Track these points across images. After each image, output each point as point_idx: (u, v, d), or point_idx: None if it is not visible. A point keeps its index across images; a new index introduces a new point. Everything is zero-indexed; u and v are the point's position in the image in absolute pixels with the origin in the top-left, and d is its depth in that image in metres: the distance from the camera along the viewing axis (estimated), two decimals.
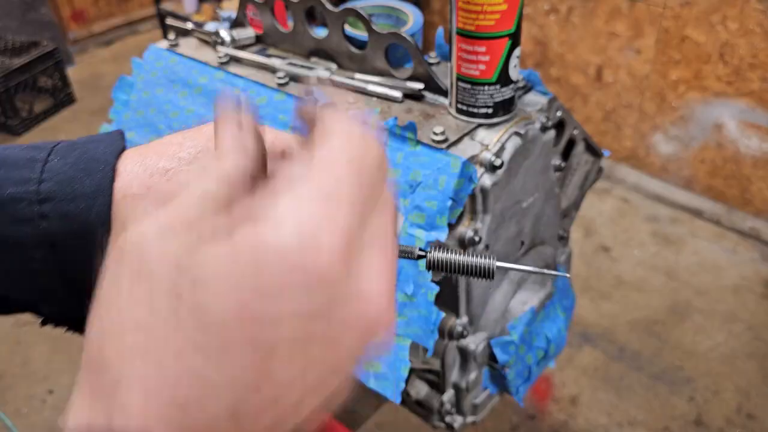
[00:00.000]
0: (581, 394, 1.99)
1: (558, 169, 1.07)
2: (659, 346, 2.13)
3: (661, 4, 2.45)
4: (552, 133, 1.00)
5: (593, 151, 1.18)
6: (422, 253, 0.42)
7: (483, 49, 0.84)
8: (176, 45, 1.18)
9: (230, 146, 0.29)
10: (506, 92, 0.89)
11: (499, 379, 1.09)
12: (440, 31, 1.07)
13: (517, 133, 0.92)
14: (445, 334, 0.96)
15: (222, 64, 1.10)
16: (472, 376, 1.05)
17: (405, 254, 0.42)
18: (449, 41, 0.88)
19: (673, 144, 2.70)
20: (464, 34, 0.84)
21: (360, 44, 1.02)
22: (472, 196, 0.89)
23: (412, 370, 0.94)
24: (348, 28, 1.02)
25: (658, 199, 2.79)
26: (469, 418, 1.12)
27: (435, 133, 0.86)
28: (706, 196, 2.70)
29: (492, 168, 0.88)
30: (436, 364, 1.02)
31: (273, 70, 1.05)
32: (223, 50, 1.11)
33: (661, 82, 2.60)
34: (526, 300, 1.09)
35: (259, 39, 1.16)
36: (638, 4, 2.51)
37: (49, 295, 0.42)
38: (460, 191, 0.84)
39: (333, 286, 0.25)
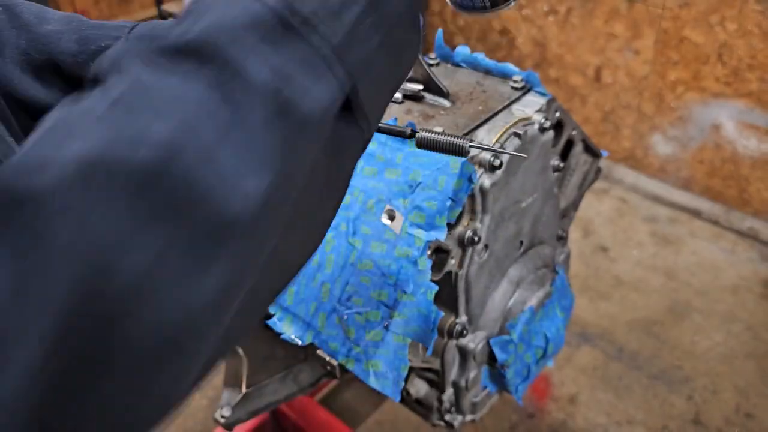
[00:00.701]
0: (580, 393, 1.99)
1: (557, 169, 1.08)
2: (658, 346, 2.13)
3: (660, 4, 2.46)
4: (551, 133, 1.00)
5: (592, 151, 1.18)
6: (412, 133, 0.55)
7: None
8: None
9: None
10: None
11: (498, 377, 1.10)
12: (440, 32, 1.08)
13: (516, 134, 0.92)
14: (445, 333, 0.97)
15: None
16: (472, 374, 1.05)
17: (396, 134, 0.55)
18: None
19: (671, 144, 2.71)
20: None
21: None
22: (472, 196, 0.90)
23: (411, 369, 0.95)
24: None
25: (656, 200, 2.79)
26: (469, 417, 1.13)
27: (435, 133, 0.87)
28: (705, 197, 2.70)
29: (491, 168, 0.88)
30: (435, 363, 1.03)
31: None
32: None
33: (660, 83, 2.61)
34: (525, 299, 1.10)
35: None
36: (637, 5, 2.52)
37: None
38: (459, 191, 0.85)
39: None
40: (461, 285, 0.95)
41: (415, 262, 0.85)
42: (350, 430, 1.40)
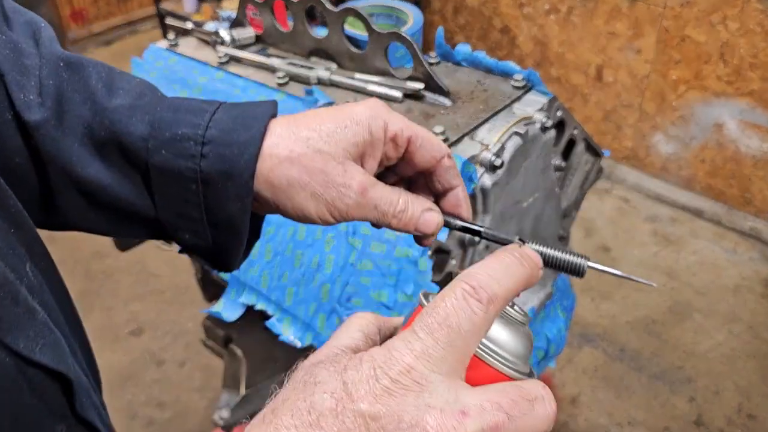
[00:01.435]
0: (581, 394, 1.98)
1: (558, 168, 1.07)
2: (659, 346, 2.13)
3: (662, 3, 2.45)
4: (552, 133, 0.99)
5: (593, 151, 1.17)
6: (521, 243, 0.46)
7: None
8: (176, 45, 1.18)
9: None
10: None
11: None
12: (440, 30, 1.07)
13: (517, 133, 0.91)
14: None
15: (222, 63, 1.10)
16: None
17: (500, 241, 0.48)
18: None
19: (673, 144, 2.70)
20: None
21: (360, 44, 1.02)
22: (473, 196, 0.89)
23: None
24: (348, 28, 1.02)
25: (658, 199, 2.78)
26: None
27: (435, 133, 0.86)
28: (707, 196, 2.70)
29: (492, 168, 0.88)
30: None
31: (273, 70, 1.05)
32: (222, 50, 1.11)
33: (661, 82, 2.60)
34: (526, 300, 1.09)
35: (258, 39, 1.16)
36: (638, 4, 2.51)
37: (191, 224, 0.50)
38: None
39: None
40: None
41: (415, 263, 0.84)
42: None
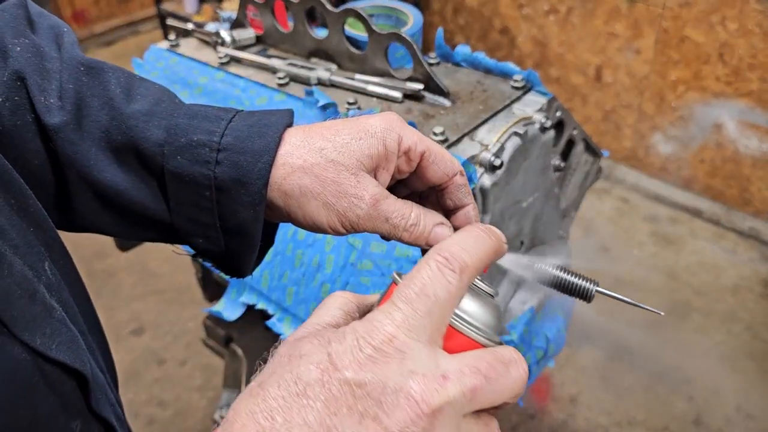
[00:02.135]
0: (580, 394, 1.99)
1: (557, 169, 1.07)
2: (659, 346, 2.13)
3: (661, 4, 2.45)
4: (551, 133, 1.00)
5: (593, 151, 1.18)
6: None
7: None
8: (177, 45, 1.18)
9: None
10: None
11: None
12: (440, 31, 1.08)
13: (516, 134, 0.92)
14: None
15: (222, 64, 1.10)
16: None
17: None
18: None
19: (672, 144, 2.71)
20: None
21: (360, 45, 1.03)
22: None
23: None
24: (348, 29, 1.03)
25: (657, 199, 2.79)
26: None
27: (435, 133, 0.87)
28: (706, 196, 2.70)
29: (491, 168, 0.88)
30: None
31: (273, 71, 1.06)
32: (223, 51, 1.11)
33: (661, 83, 2.60)
34: (526, 300, 1.09)
35: (259, 39, 1.16)
36: (637, 5, 2.52)
37: (204, 229, 0.51)
38: None
39: None
40: None
41: (415, 263, 0.85)
42: None
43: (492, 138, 0.91)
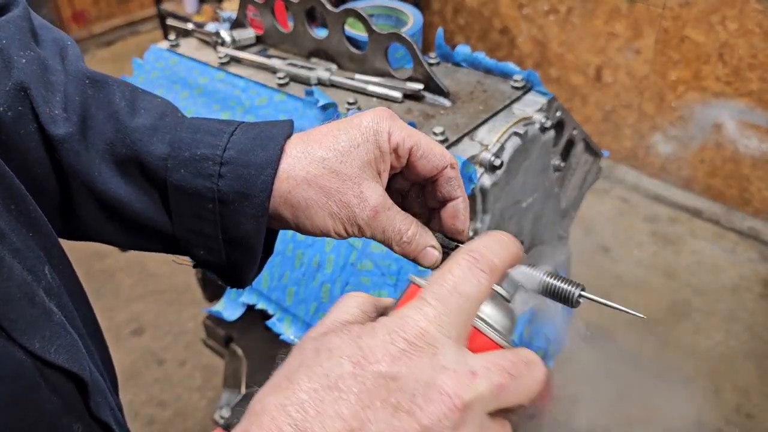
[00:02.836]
0: (581, 394, 1.99)
1: (557, 169, 1.07)
2: (658, 346, 2.13)
3: (661, 4, 2.45)
4: (551, 133, 1.00)
5: (592, 151, 1.18)
6: None
7: None
8: (177, 45, 1.18)
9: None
10: None
11: None
12: (440, 31, 1.08)
13: (516, 134, 0.92)
14: None
15: (222, 64, 1.10)
16: None
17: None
18: None
19: (672, 144, 2.71)
20: None
21: (360, 45, 1.03)
22: (472, 196, 0.89)
23: None
24: (348, 29, 1.03)
25: (657, 199, 2.79)
26: None
27: (435, 133, 0.87)
28: (706, 196, 2.70)
29: (492, 168, 0.88)
30: None
31: (273, 71, 1.06)
32: (223, 51, 1.11)
33: (661, 83, 2.60)
34: (526, 300, 1.09)
35: (259, 39, 1.16)
36: (637, 5, 2.52)
37: (207, 241, 0.52)
38: None
39: None
40: None
41: (415, 263, 0.85)
42: None
43: (492, 138, 0.91)
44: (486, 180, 0.89)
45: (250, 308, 1.01)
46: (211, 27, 1.17)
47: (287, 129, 0.51)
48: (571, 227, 1.25)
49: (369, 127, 0.50)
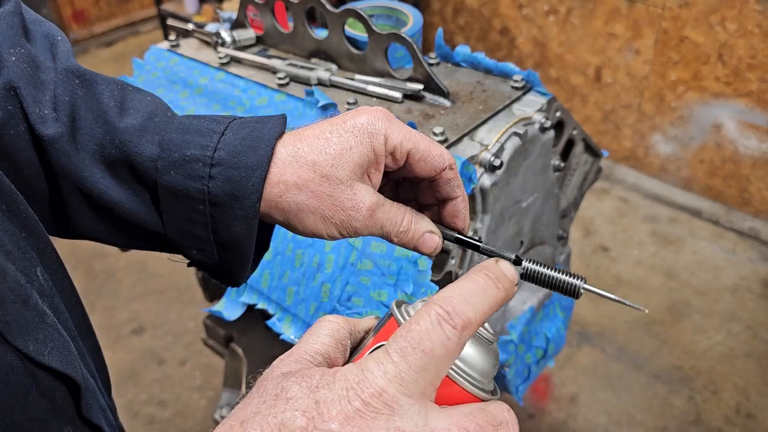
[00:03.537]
0: (580, 394, 1.99)
1: (557, 169, 1.07)
2: (658, 346, 2.13)
3: (660, 4, 2.46)
4: (551, 133, 1.00)
5: (592, 151, 1.18)
6: (517, 260, 0.47)
7: None
8: (177, 46, 1.18)
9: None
10: None
11: (498, 378, 1.10)
12: (440, 31, 1.08)
13: (516, 134, 0.92)
14: None
15: (222, 64, 1.10)
16: None
17: (498, 256, 0.47)
18: None
19: (672, 144, 2.71)
20: None
21: (360, 45, 1.03)
22: (472, 196, 0.90)
23: None
24: (348, 29, 1.03)
25: (657, 199, 2.79)
26: None
27: (435, 134, 0.87)
28: (705, 196, 2.70)
29: (491, 168, 0.88)
30: None
31: (273, 71, 1.06)
32: (223, 51, 1.11)
33: (660, 83, 2.61)
34: (526, 299, 1.10)
35: (259, 40, 1.16)
36: (637, 5, 2.52)
37: (198, 242, 0.52)
38: None
39: None
40: None
41: (415, 263, 0.85)
42: None
43: (492, 138, 0.91)
44: (486, 180, 0.89)
45: (250, 308, 1.01)
46: (211, 27, 1.18)
47: (278, 128, 0.50)
48: (571, 227, 1.25)
49: (363, 128, 0.49)
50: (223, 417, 1.15)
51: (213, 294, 1.48)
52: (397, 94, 0.97)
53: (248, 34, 1.15)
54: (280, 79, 1.03)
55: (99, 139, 0.50)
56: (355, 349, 0.41)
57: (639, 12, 2.53)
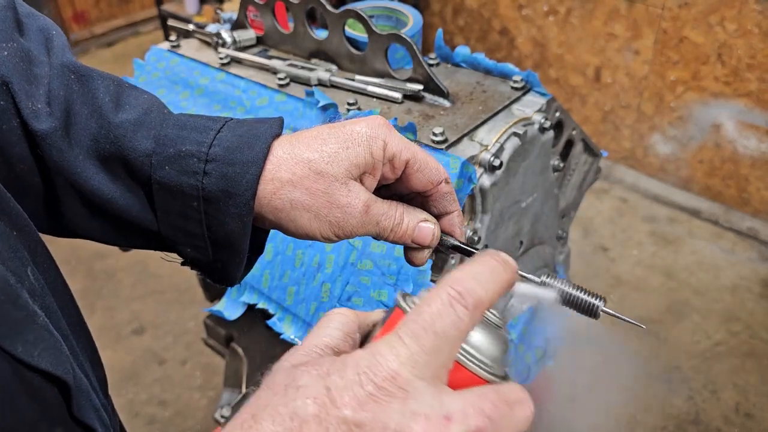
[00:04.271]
0: (580, 393, 1.99)
1: (556, 169, 1.08)
2: (658, 346, 2.14)
3: (660, 5, 2.46)
4: (551, 133, 1.00)
5: (591, 151, 1.18)
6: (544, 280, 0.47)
7: None
8: (177, 46, 1.19)
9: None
10: None
11: None
12: (440, 32, 1.08)
13: (516, 134, 0.92)
14: None
15: (223, 65, 1.11)
16: None
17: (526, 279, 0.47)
18: None
19: (671, 144, 2.71)
20: None
21: (360, 45, 1.03)
22: (472, 196, 0.90)
23: None
24: (348, 30, 1.03)
25: (656, 199, 2.79)
26: None
27: (434, 134, 0.87)
28: (704, 196, 2.71)
29: (491, 168, 0.89)
30: None
31: (274, 71, 1.06)
32: (224, 51, 1.12)
33: (660, 83, 2.61)
34: (525, 299, 1.10)
35: (259, 40, 1.17)
36: (637, 5, 2.52)
37: (192, 239, 0.51)
38: (459, 191, 0.85)
39: None
40: None
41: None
42: None
43: (491, 138, 0.91)
44: (485, 180, 0.89)
45: (250, 308, 1.02)
46: (211, 28, 1.18)
47: (275, 128, 0.50)
48: (571, 227, 1.25)
49: (362, 132, 0.49)
50: (223, 416, 1.15)
51: (213, 294, 1.48)
52: (397, 95, 0.98)
53: (249, 34, 1.15)
54: (280, 79, 1.04)
55: (93, 134, 0.49)
56: (363, 343, 0.41)
57: (638, 12, 2.53)
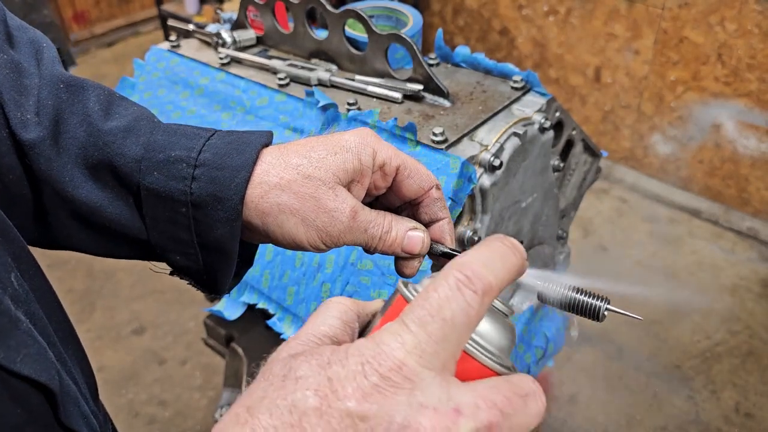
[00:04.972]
0: (580, 393, 1.99)
1: (556, 169, 1.08)
2: (657, 346, 2.14)
3: (660, 5, 2.46)
4: (551, 133, 1.00)
5: (591, 151, 1.18)
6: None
7: None
8: (178, 46, 1.19)
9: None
10: None
11: None
12: (440, 32, 1.08)
13: (515, 134, 0.92)
14: None
15: (223, 65, 1.11)
16: None
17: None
18: None
19: (671, 144, 2.71)
20: None
21: (360, 45, 1.03)
22: (471, 196, 0.90)
23: None
24: (348, 30, 1.03)
25: (656, 199, 2.79)
26: None
27: (434, 134, 0.87)
28: (704, 196, 2.71)
29: (491, 168, 0.89)
30: None
31: (274, 71, 1.06)
32: (224, 51, 1.12)
33: (660, 83, 2.61)
34: (524, 299, 1.10)
35: (259, 40, 1.17)
36: (637, 5, 2.52)
37: (181, 246, 0.51)
38: (459, 191, 0.85)
39: None
40: None
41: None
42: None
43: (491, 138, 0.91)
44: (485, 180, 0.89)
45: (250, 308, 1.02)
46: (211, 28, 1.18)
47: (265, 138, 0.51)
48: (571, 227, 1.25)
49: (351, 140, 0.49)
50: (223, 416, 1.15)
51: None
52: (397, 95, 0.98)
53: (249, 34, 1.15)
54: (280, 79, 1.04)
55: (82, 142, 0.49)
56: (362, 333, 0.39)
57: (638, 12, 2.53)
